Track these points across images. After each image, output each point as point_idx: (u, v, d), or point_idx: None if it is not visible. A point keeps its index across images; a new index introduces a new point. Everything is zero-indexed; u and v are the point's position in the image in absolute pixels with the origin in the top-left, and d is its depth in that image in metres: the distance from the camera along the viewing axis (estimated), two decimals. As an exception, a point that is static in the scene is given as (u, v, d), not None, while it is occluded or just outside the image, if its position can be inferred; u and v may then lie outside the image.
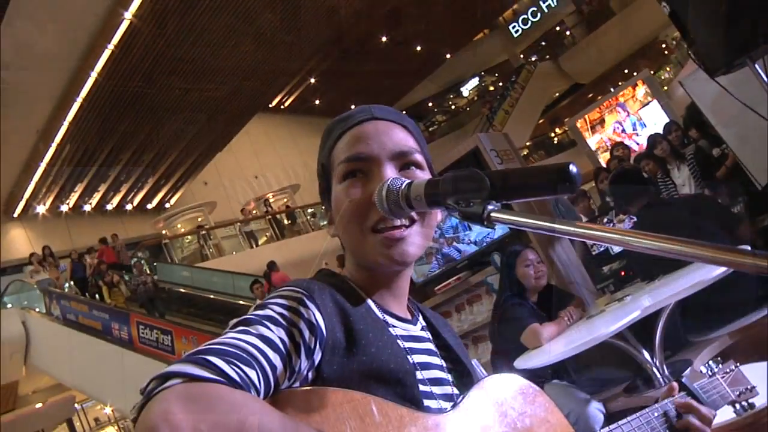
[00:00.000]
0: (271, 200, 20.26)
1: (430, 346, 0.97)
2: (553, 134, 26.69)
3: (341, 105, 25.50)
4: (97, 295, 12.18)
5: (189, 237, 17.95)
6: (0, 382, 12.27)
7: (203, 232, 17.48)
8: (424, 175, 0.94)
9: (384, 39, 21.36)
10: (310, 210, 19.56)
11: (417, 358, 0.90)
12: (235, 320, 0.78)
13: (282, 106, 23.85)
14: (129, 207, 19.57)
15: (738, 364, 1.31)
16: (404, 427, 0.78)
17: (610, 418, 2.96)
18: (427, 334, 0.99)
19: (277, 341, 0.74)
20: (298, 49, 15.96)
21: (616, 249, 4.04)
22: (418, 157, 0.95)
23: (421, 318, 1.02)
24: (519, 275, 3.31)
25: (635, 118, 8.40)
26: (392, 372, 0.82)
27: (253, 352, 0.70)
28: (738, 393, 1.26)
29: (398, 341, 0.88)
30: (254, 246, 17.21)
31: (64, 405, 14.93)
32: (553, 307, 3.35)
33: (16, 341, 11.99)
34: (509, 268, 3.35)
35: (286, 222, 18.53)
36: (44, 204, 17.40)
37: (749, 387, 1.28)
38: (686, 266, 2.94)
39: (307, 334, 0.77)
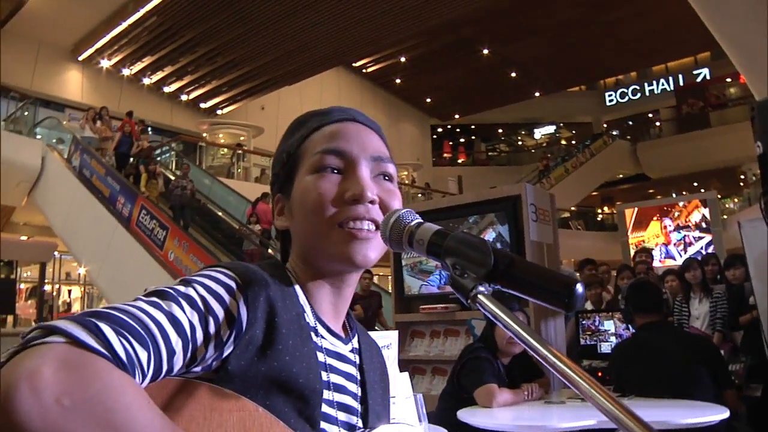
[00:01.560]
0: (315, 150, 20.34)
1: (352, 370, 0.92)
2: (600, 210, 26.34)
3: (418, 93, 25.49)
4: (131, 177, 11.89)
5: (225, 150, 18.07)
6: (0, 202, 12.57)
7: (240, 151, 17.58)
8: (395, 189, 0.91)
9: (486, 51, 21.18)
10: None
11: (333, 378, 0.86)
12: (152, 288, 0.72)
13: (364, 70, 23.80)
14: (184, 97, 19.70)
15: None
16: None
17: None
18: (354, 357, 0.93)
19: (186, 326, 0.69)
20: (407, 23, 15.86)
21: (605, 348, 3.96)
22: (392, 168, 0.92)
23: (354, 340, 0.96)
24: (496, 332, 3.25)
25: (672, 248, 8.27)
26: (299, 386, 0.78)
27: (154, 332, 0.65)
28: None
29: (318, 355, 0.83)
30: (279, 188, 17.25)
31: (45, 248, 15.22)
32: (519, 375, 3.30)
33: (29, 172, 12.22)
34: (491, 323, 3.30)
35: (319, 177, 18.59)
36: (110, 60, 17.62)
37: None
38: (665, 399, 2.87)
39: (222, 325, 0.73)
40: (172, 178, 12.42)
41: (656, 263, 7.63)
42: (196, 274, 0.78)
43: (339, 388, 0.87)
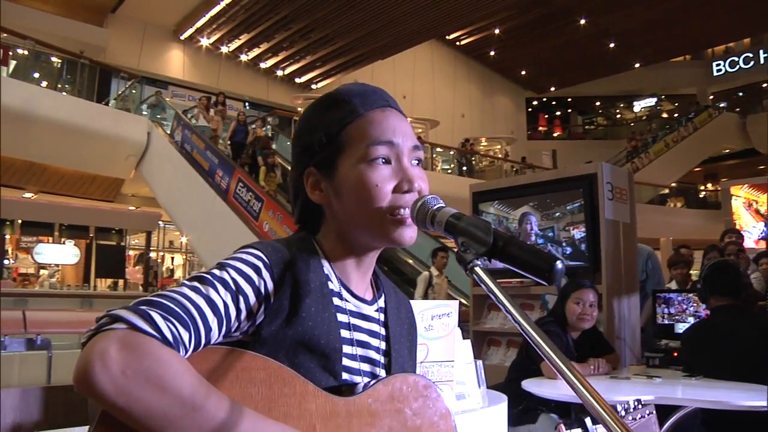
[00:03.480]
0: (407, 124, 20.34)
1: (376, 327, 1.04)
2: (702, 187, 25.07)
3: (513, 66, 24.99)
4: (247, 167, 11.86)
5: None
6: (109, 176, 13.46)
7: (333, 124, 17.91)
8: (424, 173, 1.02)
9: (582, 21, 20.45)
10: (439, 149, 19.54)
11: (357, 335, 1.00)
12: (194, 273, 0.91)
13: (458, 43, 23.58)
14: (279, 73, 20.27)
15: (654, 411, 1.33)
16: (305, 402, 0.88)
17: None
18: (378, 316, 1.06)
19: (221, 306, 0.86)
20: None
21: (682, 329, 3.91)
22: (422, 154, 1.04)
23: (381, 301, 1.07)
24: (567, 307, 3.29)
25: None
26: (321, 346, 0.93)
27: (194, 314, 0.82)
28: None
29: (340, 317, 0.97)
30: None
31: (151, 218, 16.21)
32: (589, 351, 3.34)
33: (137, 146, 12.90)
34: (562, 297, 3.34)
35: (411, 151, 18.56)
36: (209, 39, 18.37)
37: None
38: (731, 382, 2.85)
39: (252, 300, 0.89)
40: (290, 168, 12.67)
41: (750, 244, 7.25)
42: (231, 257, 0.93)
43: (362, 344, 1.01)
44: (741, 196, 9.30)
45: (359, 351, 1.00)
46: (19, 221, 14.96)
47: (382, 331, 1.06)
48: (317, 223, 1.05)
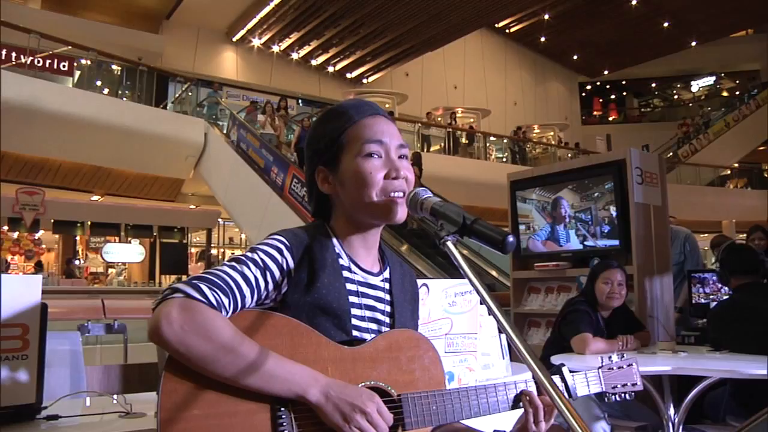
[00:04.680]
0: (458, 114, 20.32)
1: (381, 294, 1.31)
2: (767, 167, 24.18)
3: (564, 50, 24.67)
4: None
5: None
6: (170, 177, 14.01)
7: (386, 118, 18.04)
8: (409, 165, 1.28)
9: (634, 2, 20.06)
10: (492, 138, 19.52)
11: (364, 301, 1.27)
12: (233, 255, 1.22)
13: (507, 30, 23.46)
14: (330, 69, 20.60)
15: (634, 364, 1.51)
16: (319, 350, 1.16)
17: (612, 446, 3.13)
18: (384, 285, 1.33)
19: (252, 280, 1.15)
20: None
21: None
22: (407, 151, 1.30)
23: (386, 272, 1.35)
24: (596, 287, 3.43)
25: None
26: (333, 309, 1.20)
27: (232, 286, 1.11)
28: (614, 386, 1.47)
29: (350, 286, 1.25)
30: (425, 150, 17.53)
31: (210, 215, 16.76)
32: (619, 329, 3.46)
33: (195, 147, 13.34)
34: (592, 277, 3.48)
35: (463, 141, 18.58)
36: (260, 39, 18.85)
37: (632, 383, 1.49)
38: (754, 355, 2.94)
39: (277, 275, 1.18)
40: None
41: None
42: (260, 242, 1.22)
43: (370, 308, 1.28)
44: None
45: (367, 313, 1.27)
46: (89, 223, 15.72)
47: (387, 297, 1.33)
48: (329, 212, 1.32)
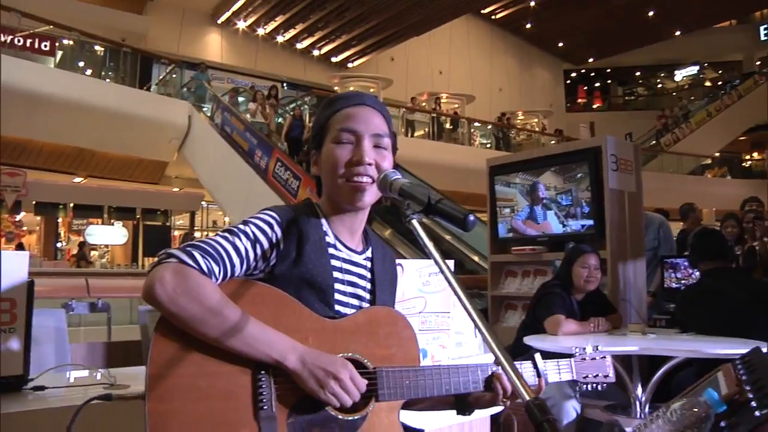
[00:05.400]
0: (443, 100, 20.33)
1: (363, 272, 1.39)
2: (748, 157, 24.50)
3: (549, 39, 24.76)
4: (305, 165, 11.45)
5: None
6: (154, 159, 13.96)
7: (369, 102, 18.00)
8: (387, 154, 1.35)
9: (619, -10, 20.15)
10: (476, 124, 19.58)
11: (347, 277, 1.35)
12: (226, 226, 1.29)
13: (493, 16, 23.48)
14: (316, 53, 20.54)
15: (607, 357, 1.56)
16: (301, 320, 1.24)
17: (582, 420, 3.24)
18: (366, 263, 1.41)
19: (243, 251, 1.22)
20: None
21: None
22: (386, 141, 1.35)
23: (368, 252, 1.43)
24: (572, 271, 3.53)
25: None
26: (318, 283, 1.28)
27: (223, 255, 1.19)
28: (585, 376, 1.54)
29: (334, 262, 1.32)
30: (409, 135, 17.56)
31: (194, 198, 16.75)
32: (592, 311, 3.57)
33: (179, 130, 13.27)
34: (568, 261, 3.58)
35: (447, 126, 18.61)
36: (245, 21, 18.74)
37: (604, 375, 1.54)
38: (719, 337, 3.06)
39: (266, 247, 1.25)
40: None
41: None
42: (252, 216, 1.29)
43: (352, 284, 1.36)
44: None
45: (349, 289, 1.34)
46: (71, 205, 15.65)
47: (369, 275, 1.40)
48: (321, 192, 1.42)
